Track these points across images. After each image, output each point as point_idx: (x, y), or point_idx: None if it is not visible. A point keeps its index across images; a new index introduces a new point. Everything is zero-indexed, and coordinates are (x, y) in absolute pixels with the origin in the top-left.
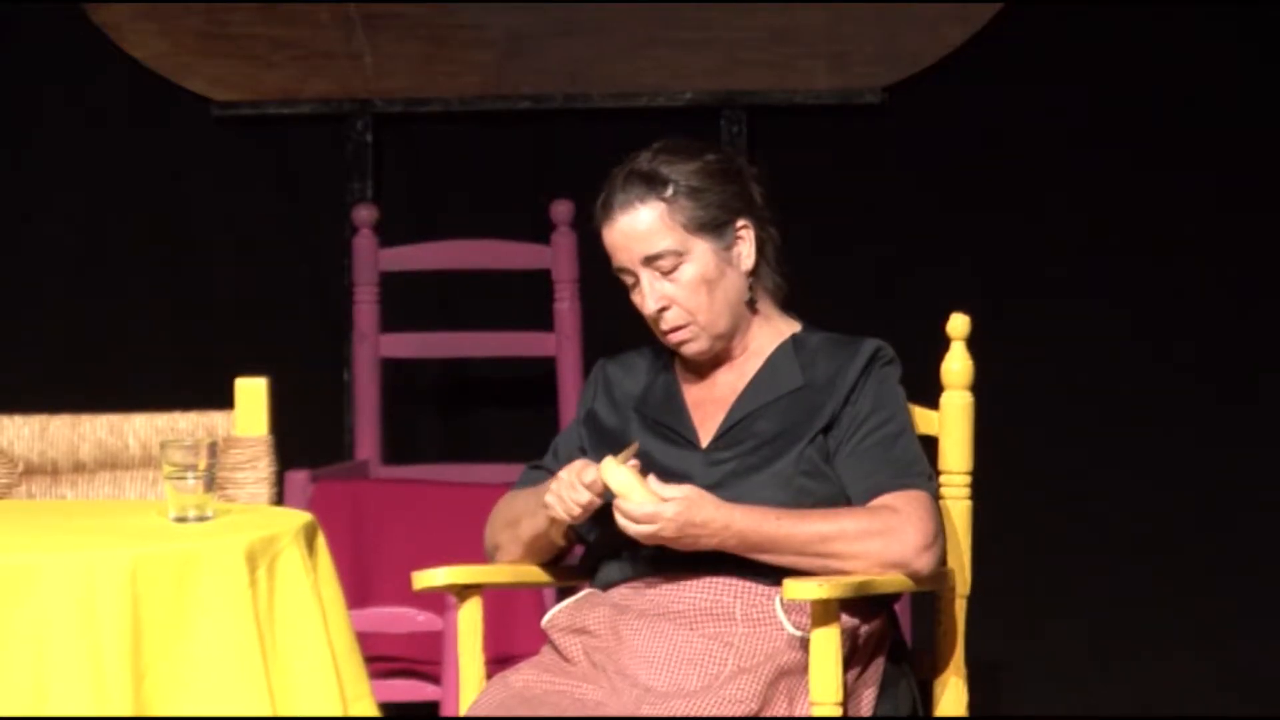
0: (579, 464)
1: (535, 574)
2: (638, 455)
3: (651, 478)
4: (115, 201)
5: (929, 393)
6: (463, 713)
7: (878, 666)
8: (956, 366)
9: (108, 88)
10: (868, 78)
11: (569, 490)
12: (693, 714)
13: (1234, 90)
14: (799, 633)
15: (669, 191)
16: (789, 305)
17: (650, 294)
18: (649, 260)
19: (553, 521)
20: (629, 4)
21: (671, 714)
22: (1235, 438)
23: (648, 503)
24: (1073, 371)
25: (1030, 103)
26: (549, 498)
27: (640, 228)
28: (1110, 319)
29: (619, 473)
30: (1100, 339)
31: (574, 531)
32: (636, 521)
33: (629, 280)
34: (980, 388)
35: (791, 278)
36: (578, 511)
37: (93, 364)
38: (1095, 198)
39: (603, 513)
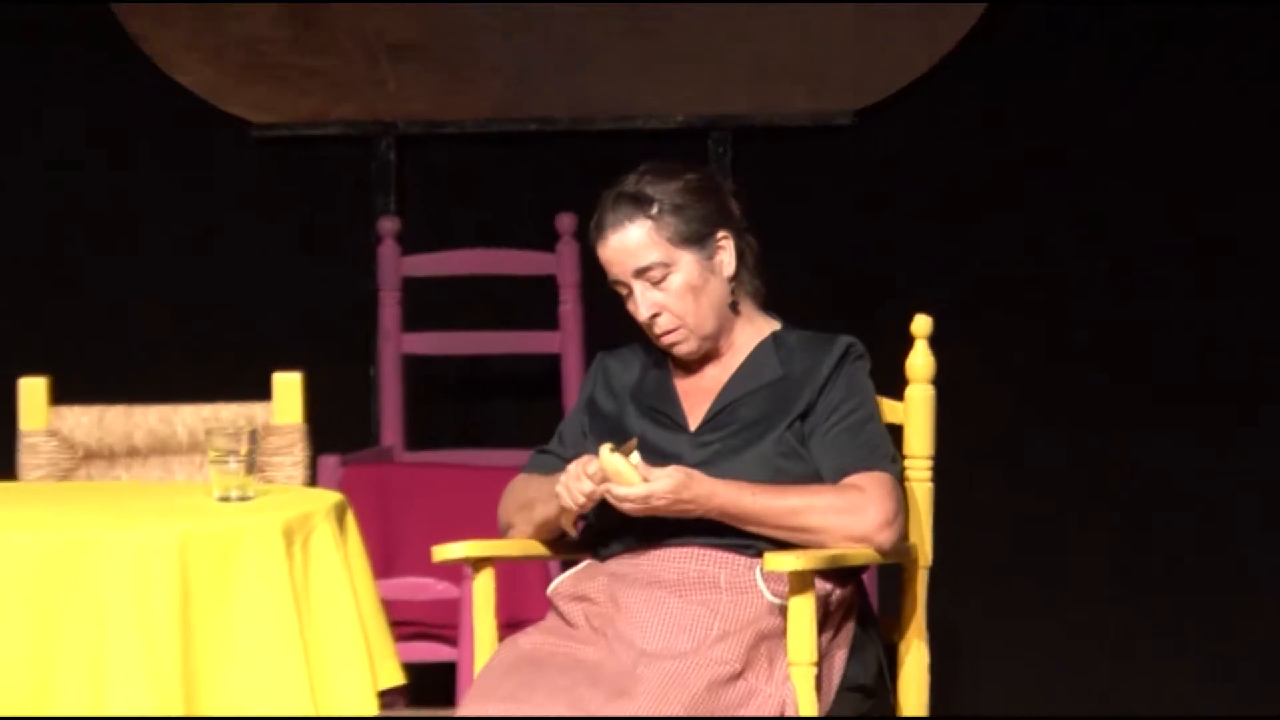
0: (583, 459)
1: (542, 548)
2: (624, 440)
3: (641, 464)
4: (165, 213)
5: (895, 385)
6: (477, 672)
7: (848, 631)
8: (919, 362)
9: (158, 110)
10: (840, 102)
11: (575, 482)
12: (680, 678)
13: (1191, 113)
14: (778, 600)
15: (654, 210)
16: (768, 306)
17: (643, 303)
18: (640, 273)
19: (563, 510)
20: (626, 37)
21: (662, 675)
22: (1183, 427)
23: (639, 485)
24: (1026, 368)
25: (989, 124)
26: (559, 488)
27: (630, 244)
28: (1067, 323)
29: (613, 459)
30: (1055, 340)
31: (581, 519)
32: (629, 500)
33: (623, 291)
34: (943, 382)
35: (770, 281)
36: (582, 500)
37: (144, 359)
38: (1041, 211)
39: (603, 499)
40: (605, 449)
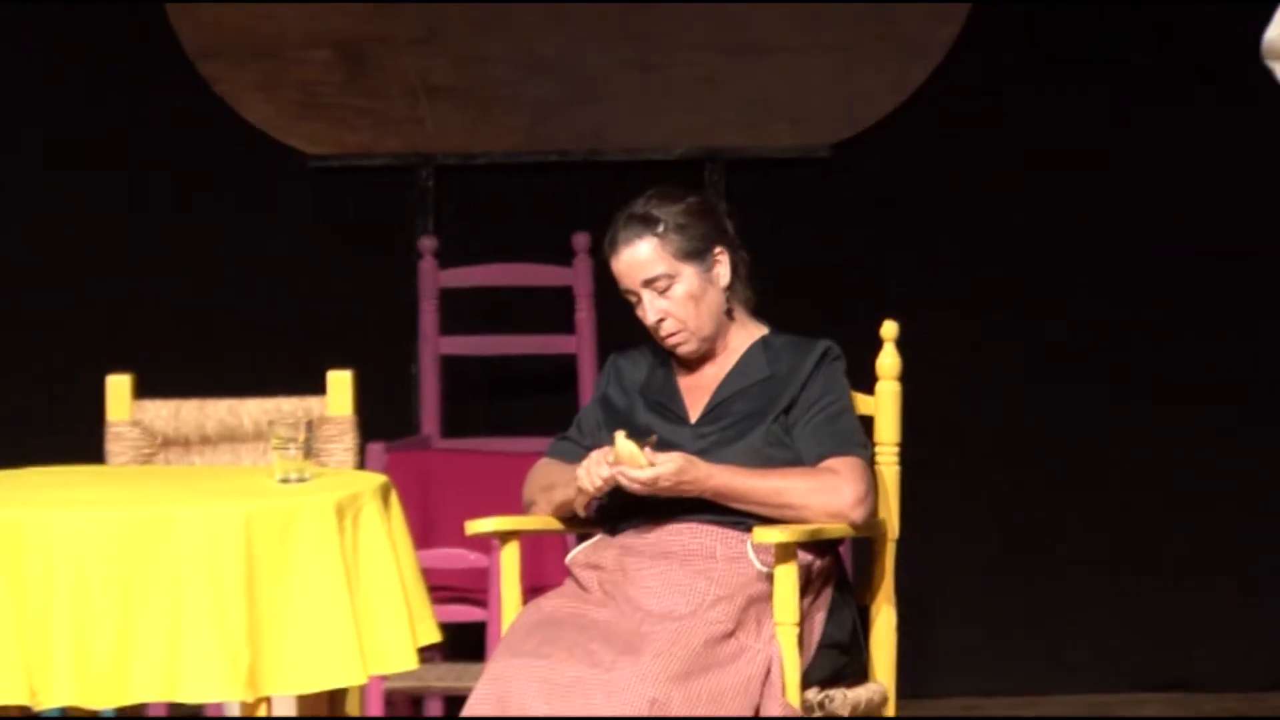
0: (603, 449)
1: (560, 524)
2: (645, 431)
3: (649, 449)
4: (233, 233)
5: (867, 382)
6: (504, 630)
7: (826, 595)
8: (887, 361)
9: (227, 143)
10: (819, 137)
11: (595, 467)
12: (681, 636)
13: (1154, 143)
14: (765, 568)
15: (660, 229)
16: (758, 313)
17: (650, 309)
18: (648, 283)
19: (579, 492)
20: (633, 80)
21: (665, 634)
22: (1141, 419)
23: (648, 469)
24: (990, 368)
25: (950, 156)
26: (580, 472)
27: (640, 258)
28: (1029, 329)
29: (628, 444)
30: (1018, 343)
31: (595, 503)
32: (638, 481)
33: (633, 299)
34: (913, 380)
35: (759, 291)
36: (600, 483)
37: (215, 358)
38: (995, 228)
39: (617, 490)
40: (620, 435)
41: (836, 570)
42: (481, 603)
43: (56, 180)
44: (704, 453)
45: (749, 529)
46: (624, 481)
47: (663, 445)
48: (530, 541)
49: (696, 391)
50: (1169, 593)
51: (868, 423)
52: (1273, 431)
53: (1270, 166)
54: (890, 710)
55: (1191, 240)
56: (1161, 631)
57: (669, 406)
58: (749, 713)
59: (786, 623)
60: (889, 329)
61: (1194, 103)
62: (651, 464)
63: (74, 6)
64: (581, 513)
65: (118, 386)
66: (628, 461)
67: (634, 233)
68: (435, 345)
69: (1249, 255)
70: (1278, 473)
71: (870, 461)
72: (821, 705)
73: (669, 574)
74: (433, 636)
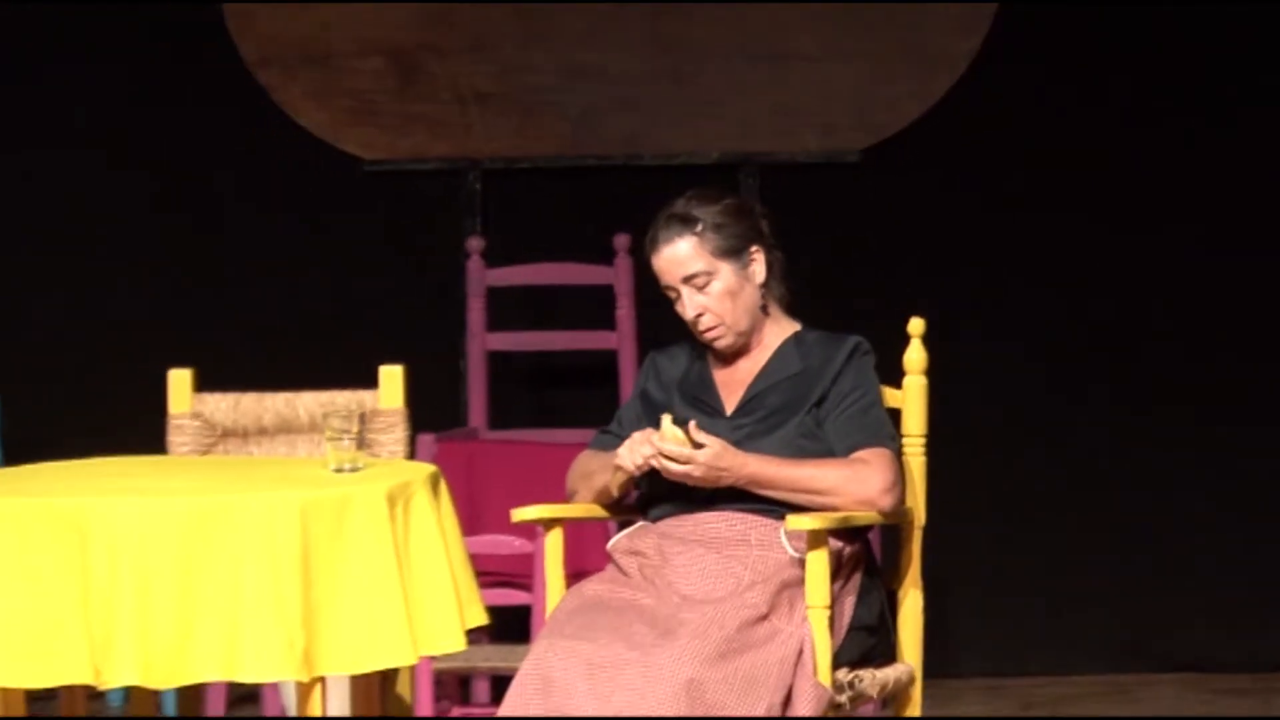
0: (646, 430)
1: (602, 511)
2: (683, 422)
3: (693, 426)
4: (290, 234)
5: (895, 376)
6: (548, 613)
7: (856, 580)
8: (914, 357)
9: (286, 148)
10: (848, 142)
11: (638, 445)
12: (717, 619)
13: (1169, 145)
14: (797, 554)
15: (699, 228)
16: (791, 310)
17: (690, 305)
18: (687, 279)
19: (617, 470)
20: (670, 87)
21: (702, 617)
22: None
23: (688, 452)
24: (1011, 364)
25: (972, 160)
26: (622, 450)
27: (679, 256)
28: (1049, 327)
29: (673, 428)
30: (1038, 341)
31: (633, 484)
32: (678, 463)
33: (673, 295)
34: (937, 375)
35: (793, 289)
36: (640, 461)
37: (273, 353)
38: (1006, 235)
39: (653, 470)
40: (667, 418)
41: (865, 556)
42: (526, 587)
43: (122, 185)
44: (739, 444)
45: (782, 517)
46: (663, 465)
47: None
48: (573, 529)
49: (732, 385)
50: (1183, 576)
51: (895, 415)
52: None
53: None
54: (917, 690)
55: (1202, 243)
56: (1175, 614)
57: (706, 400)
58: (782, 693)
59: (818, 606)
60: (916, 325)
61: (1211, 111)
62: (697, 444)
63: (135, 17)
64: (616, 492)
65: (179, 380)
66: (672, 443)
67: (674, 231)
68: (482, 341)
69: (1256, 258)
70: None
71: (898, 452)
72: (851, 685)
73: (705, 560)
74: (480, 619)
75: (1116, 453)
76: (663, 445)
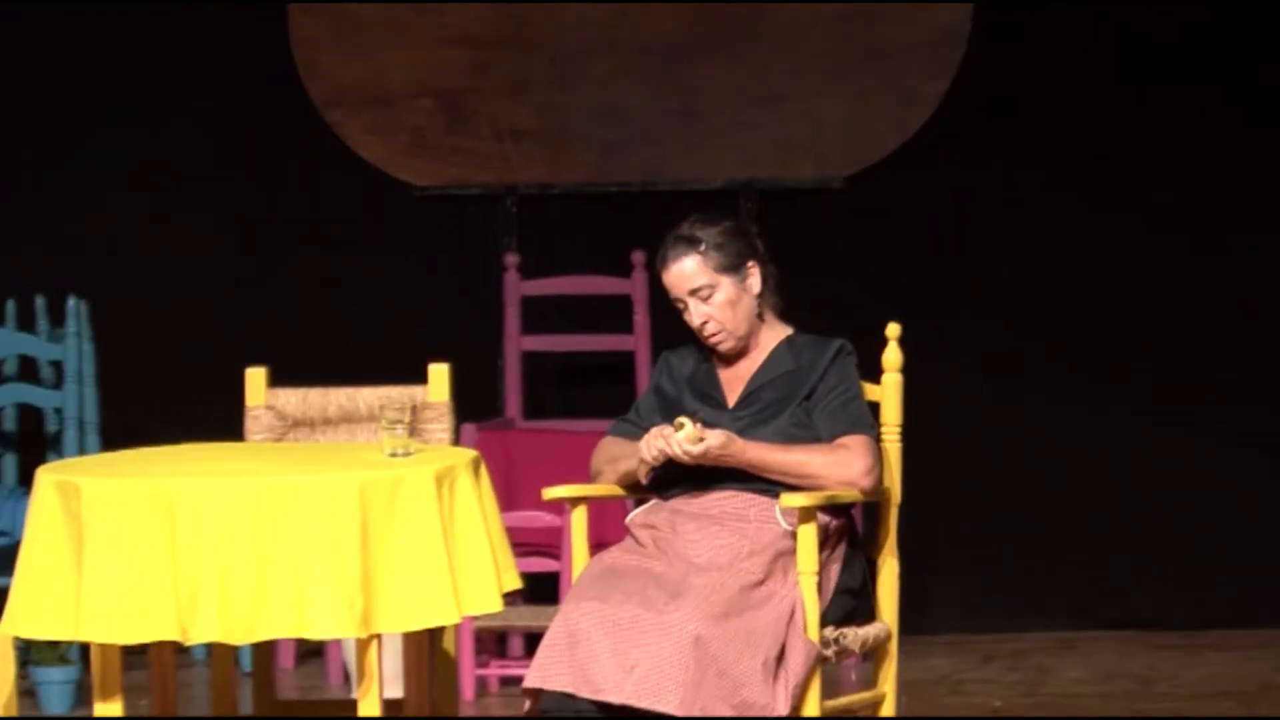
0: (660, 426)
1: (621, 491)
2: (692, 415)
3: (700, 427)
4: (351, 251)
5: (874, 373)
6: (574, 579)
7: (841, 550)
8: (891, 357)
9: (348, 176)
10: (835, 170)
11: (655, 440)
12: (721, 584)
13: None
14: (790, 528)
15: (703, 247)
16: (784, 316)
17: (695, 314)
18: (693, 292)
19: (641, 462)
20: (681, 123)
21: (707, 582)
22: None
23: (699, 442)
24: (975, 362)
25: (944, 187)
26: (642, 444)
27: (686, 272)
28: (1011, 324)
29: (688, 421)
30: (1007, 343)
31: (652, 470)
32: (691, 448)
33: (681, 306)
34: (912, 372)
35: (785, 299)
36: (656, 453)
37: (337, 353)
38: (975, 250)
39: (668, 462)
40: (682, 418)
41: (849, 529)
42: (555, 556)
43: (209, 210)
44: (740, 433)
45: (776, 495)
46: (677, 452)
47: (705, 425)
48: (595, 505)
49: (733, 382)
50: (1122, 546)
51: (875, 407)
52: (1213, 406)
53: (1250, 183)
54: (893, 645)
55: (1149, 254)
56: (1116, 579)
57: (711, 394)
58: (777, 648)
59: (808, 572)
60: (893, 329)
61: (1178, 133)
62: (702, 438)
63: (223, 63)
64: (644, 480)
65: (255, 377)
66: (685, 437)
67: (681, 251)
68: (517, 343)
69: (1191, 256)
70: (1218, 446)
71: (877, 439)
72: (837, 641)
73: (710, 532)
74: (515, 584)
75: (1063, 442)
76: (679, 442)
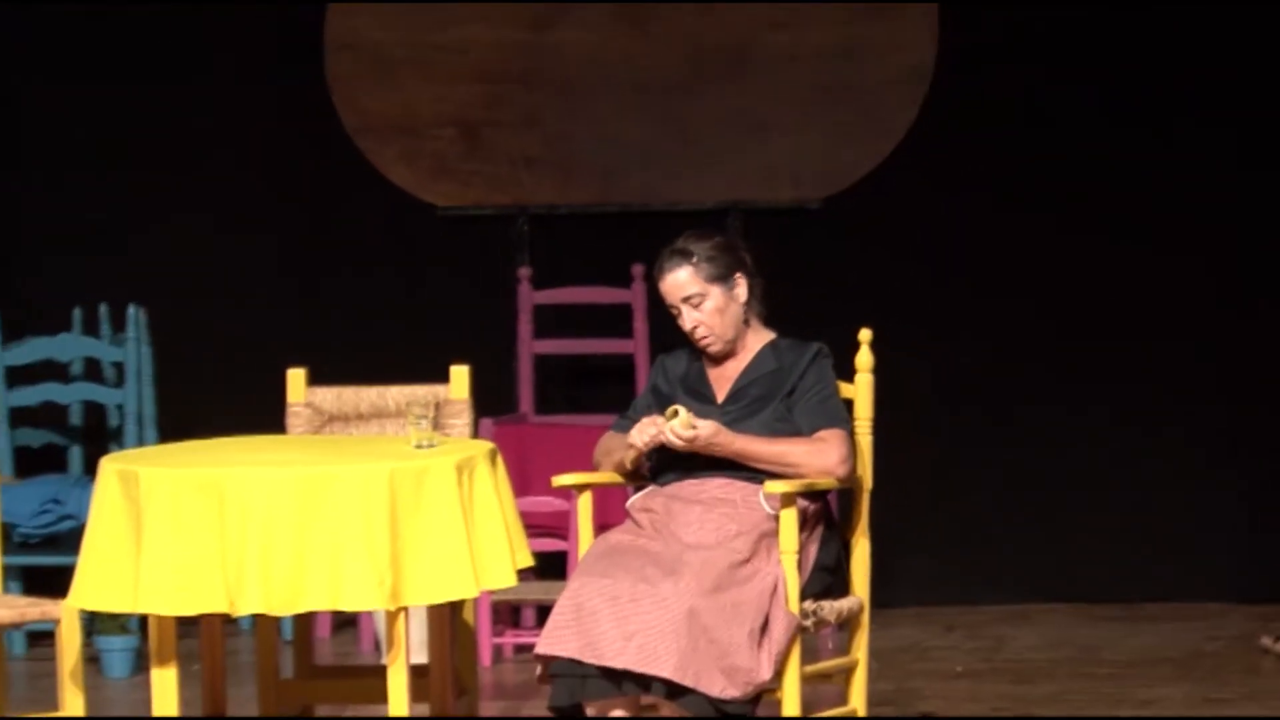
0: (650, 416)
1: (620, 478)
2: (684, 407)
3: (692, 417)
4: (380, 264)
5: (849, 373)
6: (580, 558)
7: (818, 531)
8: (863, 359)
9: (378, 198)
10: (812, 193)
11: (646, 428)
12: (711, 561)
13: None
14: (773, 511)
15: (695, 260)
16: (768, 322)
17: (688, 319)
18: (685, 300)
19: (630, 448)
20: (676, 149)
21: (699, 560)
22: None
23: (690, 426)
24: (939, 364)
25: (909, 209)
26: (633, 431)
27: (680, 281)
28: (972, 330)
29: (683, 416)
30: (970, 349)
31: (643, 458)
32: (683, 437)
33: (675, 312)
34: (882, 372)
35: (769, 306)
36: (647, 440)
37: (368, 355)
38: (938, 262)
39: (659, 448)
40: (678, 407)
41: (826, 513)
42: (563, 537)
43: (253, 228)
44: (728, 426)
45: (761, 482)
46: (670, 437)
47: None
48: (599, 491)
49: (722, 381)
50: (1071, 528)
51: (849, 404)
52: (1150, 402)
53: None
54: (865, 616)
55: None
56: (1065, 557)
57: (702, 392)
58: (761, 619)
59: (789, 552)
60: (864, 334)
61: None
62: (694, 425)
63: (266, 98)
64: (629, 466)
65: (295, 377)
66: (680, 422)
67: (675, 262)
68: (529, 346)
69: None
70: (1154, 439)
71: (851, 432)
72: (815, 613)
73: (702, 515)
74: (527, 561)
75: (1016, 437)
76: (674, 428)
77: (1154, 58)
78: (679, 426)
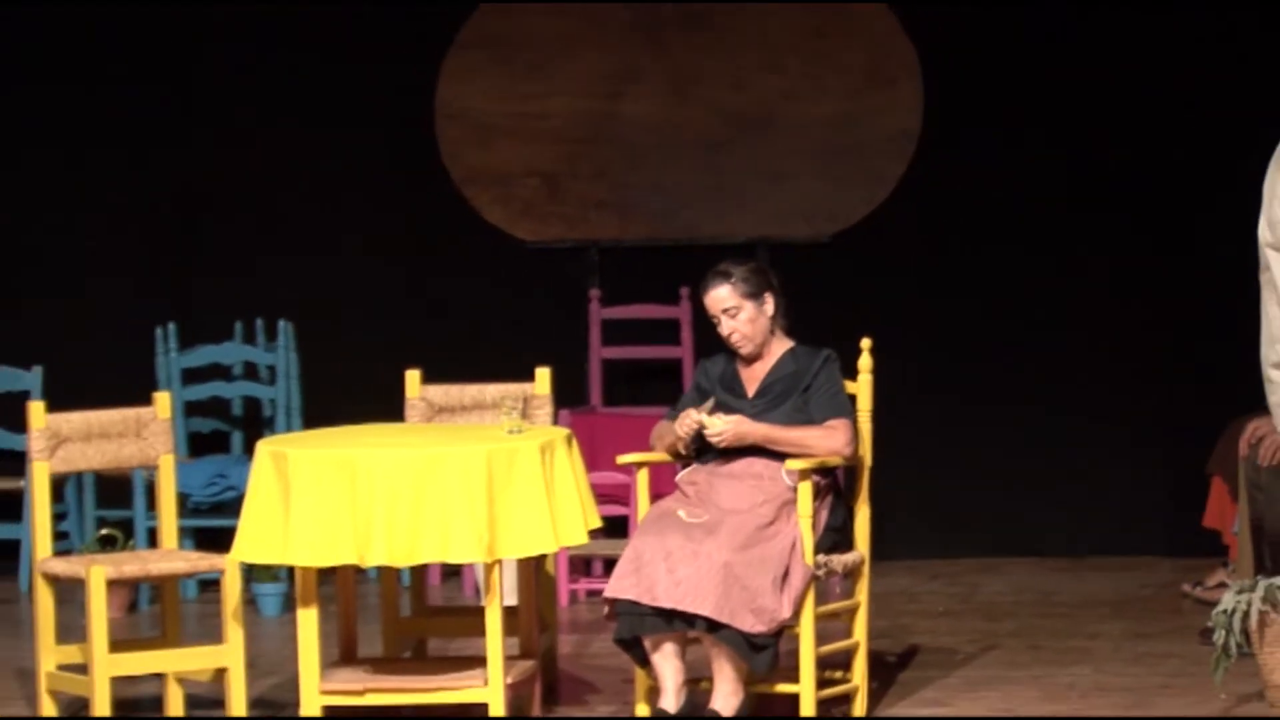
0: (690, 409)
1: (671, 458)
2: (719, 404)
3: (722, 414)
4: (480, 289)
5: (854, 373)
6: (639, 520)
7: (829, 499)
8: (865, 362)
9: (476, 234)
10: (823, 230)
11: (684, 420)
12: (742, 524)
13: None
14: (792, 484)
15: (733, 279)
16: (789, 333)
17: (726, 327)
18: (725, 311)
19: (678, 437)
20: (716, 195)
21: (733, 522)
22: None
23: (721, 423)
24: (925, 365)
25: (900, 241)
26: (677, 424)
27: (721, 296)
28: (950, 339)
29: (710, 407)
30: (959, 356)
31: (690, 444)
32: (716, 430)
33: (716, 321)
34: (880, 372)
35: (791, 319)
36: (685, 431)
37: (471, 360)
38: (929, 287)
39: (700, 435)
40: (710, 403)
41: (835, 485)
42: (625, 504)
43: (382, 259)
44: (756, 416)
45: (783, 461)
46: (707, 433)
47: (729, 412)
48: (654, 468)
49: (751, 380)
50: (1033, 495)
51: (854, 398)
52: (1097, 383)
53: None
54: (866, 568)
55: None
56: (1025, 519)
57: (735, 388)
58: (782, 569)
59: (805, 516)
60: (865, 343)
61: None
62: (720, 421)
63: (380, 151)
64: (683, 450)
65: (413, 377)
66: (718, 421)
67: (717, 281)
68: (599, 352)
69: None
70: (1098, 416)
71: (855, 421)
72: (825, 565)
73: (736, 487)
74: (596, 523)
75: (986, 421)
76: (709, 421)
77: (1101, 124)
78: (715, 419)
